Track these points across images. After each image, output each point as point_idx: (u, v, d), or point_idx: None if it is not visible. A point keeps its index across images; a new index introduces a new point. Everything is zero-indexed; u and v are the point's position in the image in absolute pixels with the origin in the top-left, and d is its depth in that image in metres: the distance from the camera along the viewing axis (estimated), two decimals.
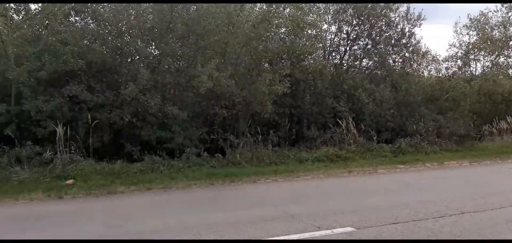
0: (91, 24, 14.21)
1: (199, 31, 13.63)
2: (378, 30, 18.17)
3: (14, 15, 13.70)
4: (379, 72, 18.73)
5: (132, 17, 13.79)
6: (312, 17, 15.63)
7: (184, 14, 14.12)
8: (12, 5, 13.27)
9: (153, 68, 13.81)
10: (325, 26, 17.57)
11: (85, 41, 13.49)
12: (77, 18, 14.45)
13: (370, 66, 19.04)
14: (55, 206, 8.54)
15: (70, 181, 10.56)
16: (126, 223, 6.85)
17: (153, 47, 14.68)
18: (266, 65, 15.60)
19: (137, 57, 14.37)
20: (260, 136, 14.15)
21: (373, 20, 17.97)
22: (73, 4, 13.57)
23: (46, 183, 10.36)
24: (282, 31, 15.73)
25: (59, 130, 11.71)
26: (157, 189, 10.02)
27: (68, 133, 11.91)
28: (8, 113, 11.85)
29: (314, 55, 16.64)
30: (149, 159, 12.41)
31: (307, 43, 15.64)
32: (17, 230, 6.62)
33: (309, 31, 15.99)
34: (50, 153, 11.63)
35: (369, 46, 18.40)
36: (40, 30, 13.77)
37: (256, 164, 13.07)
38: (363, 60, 18.99)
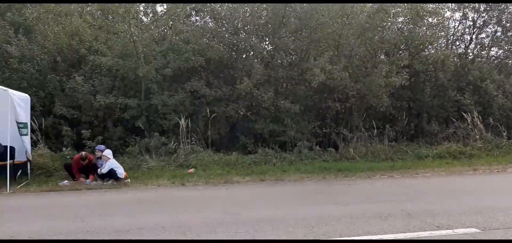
0: (210, 23, 15.10)
1: (312, 24, 13.64)
2: (509, 15, 16.61)
3: (143, 18, 15.14)
4: (510, 61, 17.04)
5: (247, 14, 14.31)
6: (433, 4, 14.62)
7: (298, 8, 14.22)
8: (141, 8, 14.67)
9: (267, 63, 14.18)
10: (448, 13, 16.40)
11: (205, 39, 14.40)
12: (197, 18, 15.57)
13: (499, 55, 17.64)
14: (179, 192, 9.26)
15: (191, 170, 11.43)
16: (242, 211, 7.12)
17: (267, 43, 15.08)
18: (382, 56, 15.08)
19: (252, 52, 14.90)
20: (375, 130, 13.76)
21: (503, 5, 16.38)
22: (194, 5, 14.51)
23: (171, 171, 11.37)
24: (399, 20, 15.02)
25: (182, 122, 12.68)
26: (270, 181, 10.31)
27: (190, 126, 12.84)
28: (139, 107, 13.15)
29: (435, 44, 15.70)
30: (263, 152, 12.85)
31: (428, 32, 14.78)
32: (146, 212, 7.28)
33: (430, 20, 15.09)
34: (174, 144, 12.70)
35: (498, 34, 16.99)
36: (165, 30, 15.02)
37: (370, 159, 12.78)
38: (492, 49, 17.61)
